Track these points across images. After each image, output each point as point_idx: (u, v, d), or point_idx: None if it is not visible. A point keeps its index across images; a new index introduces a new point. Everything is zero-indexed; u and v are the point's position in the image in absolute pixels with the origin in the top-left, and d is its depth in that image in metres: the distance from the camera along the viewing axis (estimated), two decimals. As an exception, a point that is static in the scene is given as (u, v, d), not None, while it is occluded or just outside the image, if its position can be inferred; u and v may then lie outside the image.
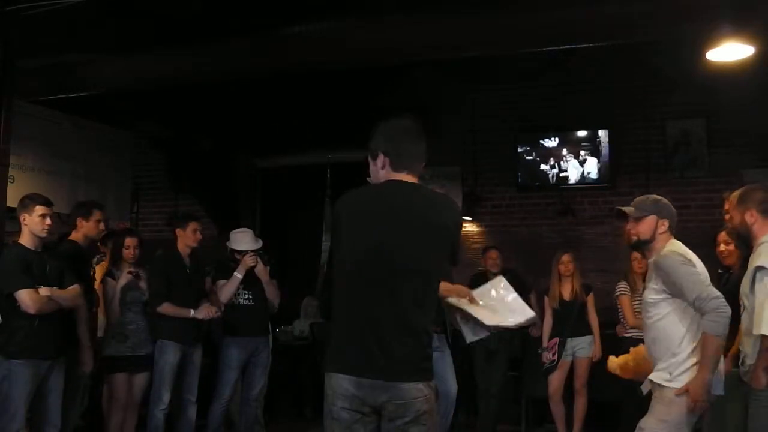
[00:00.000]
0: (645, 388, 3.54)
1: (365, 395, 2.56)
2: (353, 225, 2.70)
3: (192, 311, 5.50)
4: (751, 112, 7.41)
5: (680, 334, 3.30)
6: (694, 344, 3.28)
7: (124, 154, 8.45)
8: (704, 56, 5.53)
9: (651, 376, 3.43)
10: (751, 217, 3.43)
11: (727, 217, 4.24)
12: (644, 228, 3.55)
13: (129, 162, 8.52)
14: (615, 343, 6.39)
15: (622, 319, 6.39)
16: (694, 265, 3.34)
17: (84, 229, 5.22)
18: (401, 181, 2.75)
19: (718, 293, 3.19)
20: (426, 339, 2.64)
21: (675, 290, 3.31)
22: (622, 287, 6.41)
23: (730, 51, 5.40)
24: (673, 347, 3.32)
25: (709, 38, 5.25)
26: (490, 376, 6.75)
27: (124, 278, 5.37)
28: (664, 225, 3.54)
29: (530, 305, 6.84)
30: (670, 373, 3.31)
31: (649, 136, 8.16)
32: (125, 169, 8.46)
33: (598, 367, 6.43)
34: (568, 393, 6.50)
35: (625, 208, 3.64)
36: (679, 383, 3.28)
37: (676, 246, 3.46)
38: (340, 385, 2.58)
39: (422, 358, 2.62)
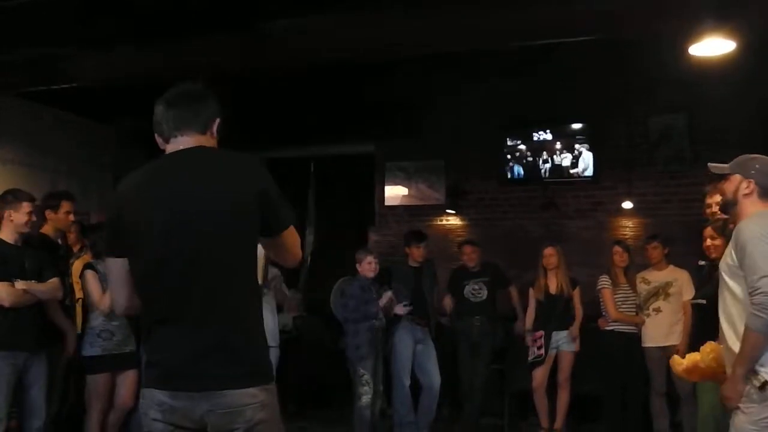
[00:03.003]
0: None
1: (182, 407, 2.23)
2: (134, 220, 2.29)
3: None
4: (733, 107, 7.47)
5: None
6: None
7: (105, 148, 8.40)
8: (686, 51, 5.56)
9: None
10: (747, 188, 3.06)
11: (708, 211, 4.27)
12: (727, 187, 3.13)
13: (111, 156, 8.47)
14: (598, 337, 6.45)
15: (604, 313, 6.44)
16: None
17: (53, 222, 5.16)
18: (187, 149, 2.35)
19: None
20: (252, 337, 2.28)
21: (744, 266, 2.88)
22: (604, 281, 6.45)
23: (711, 46, 5.44)
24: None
25: (691, 33, 5.28)
26: (475, 369, 6.79)
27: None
28: (749, 186, 3.04)
29: (511, 298, 6.90)
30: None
31: (632, 130, 8.21)
32: (107, 164, 8.42)
33: (580, 360, 6.49)
34: (551, 386, 6.54)
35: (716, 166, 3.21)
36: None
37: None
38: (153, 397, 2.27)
39: (256, 358, 2.28)
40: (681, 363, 3.51)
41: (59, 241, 5.43)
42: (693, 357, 3.44)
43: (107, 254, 2.42)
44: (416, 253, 6.65)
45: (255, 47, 5.61)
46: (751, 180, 3.05)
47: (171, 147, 2.39)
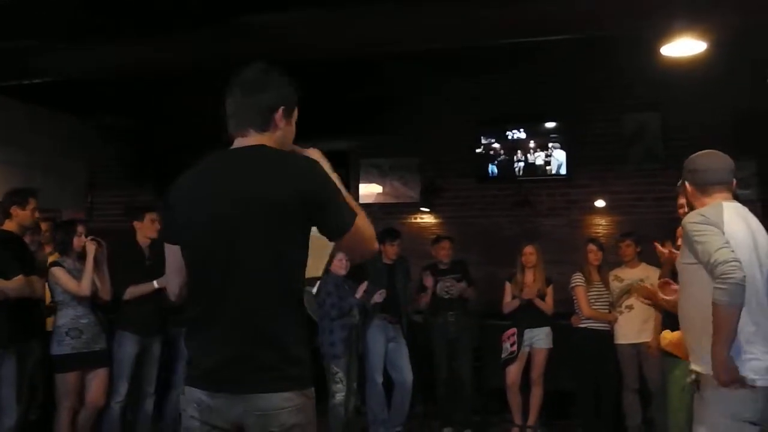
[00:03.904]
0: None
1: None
2: (182, 217, 2.33)
3: (155, 282, 5.41)
4: (705, 106, 7.56)
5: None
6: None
7: (81, 143, 8.31)
8: (659, 51, 5.63)
9: (692, 366, 3.07)
10: (687, 191, 3.25)
11: (681, 211, 4.31)
12: (686, 194, 3.31)
13: (88, 152, 8.38)
14: (571, 334, 6.50)
15: (577, 310, 6.48)
16: (715, 225, 2.94)
17: (19, 218, 5.09)
18: (240, 147, 2.34)
19: (730, 257, 2.82)
20: (291, 342, 2.24)
21: (699, 255, 2.95)
22: (578, 278, 6.50)
23: (683, 47, 5.51)
24: (706, 324, 2.93)
25: (664, 34, 5.34)
26: (459, 365, 6.79)
27: (91, 250, 5.21)
28: (690, 188, 3.23)
29: (465, 297, 6.88)
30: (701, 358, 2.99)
31: (606, 129, 8.27)
32: (81, 159, 8.33)
33: (554, 357, 6.53)
34: (524, 383, 6.57)
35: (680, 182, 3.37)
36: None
37: (711, 208, 3.07)
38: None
39: (294, 362, 2.23)
40: (666, 338, 3.64)
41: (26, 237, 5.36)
42: (680, 333, 3.47)
43: (164, 240, 2.44)
44: (390, 251, 6.66)
45: (232, 43, 5.58)
46: (686, 181, 3.24)
47: (235, 143, 2.37)
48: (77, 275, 5.15)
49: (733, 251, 2.86)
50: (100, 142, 8.83)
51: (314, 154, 2.41)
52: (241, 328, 2.21)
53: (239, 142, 2.36)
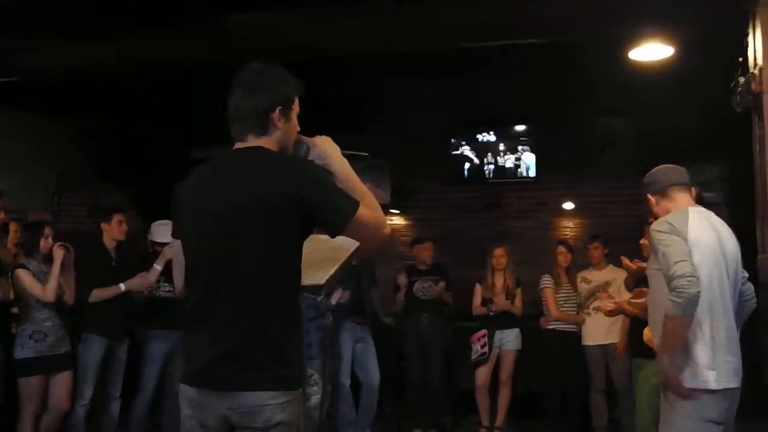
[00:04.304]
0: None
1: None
2: (185, 216, 2.38)
3: (122, 285, 5.37)
4: (674, 111, 7.64)
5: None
6: (695, 332, 3.01)
7: (47, 144, 8.19)
8: (627, 56, 5.68)
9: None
10: (653, 201, 3.36)
11: (650, 219, 4.36)
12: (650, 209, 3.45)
13: (56, 153, 8.26)
14: (539, 335, 6.54)
15: (545, 312, 6.52)
16: (679, 236, 3.02)
17: None
18: (237, 149, 2.38)
19: (688, 272, 2.90)
20: (280, 342, 2.26)
21: (661, 264, 3.06)
22: (546, 280, 6.54)
23: (650, 51, 5.58)
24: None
25: (631, 38, 5.40)
26: (430, 368, 6.79)
27: (59, 256, 5.16)
28: (652, 199, 3.36)
29: (443, 300, 6.89)
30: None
31: (575, 132, 8.33)
32: (48, 160, 8.21)
33: (522, 358, 6.56)
34: (493, 384, 6.60)
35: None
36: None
37: (678, 214, 3.17)
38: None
39: (282, 363, 2.25)
40: (647, 334, 3.67)
41: None
42: None
43: (173, 236, 2.48)
44: None
45: (206, 42, 5.55)
46: (648, 195, 3.37)
47: (235, 145, 2.39)
48: (42, 278, 5.08)
49: (692, 265, 2.93)
50: (67, 144, 8.71)
51: (322, 141, 2.45)
52: (233, 327, 2.24)
53: (238, 145, 2.39)
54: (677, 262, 2.93)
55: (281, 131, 2.38)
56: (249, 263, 2.23)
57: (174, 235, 2.48)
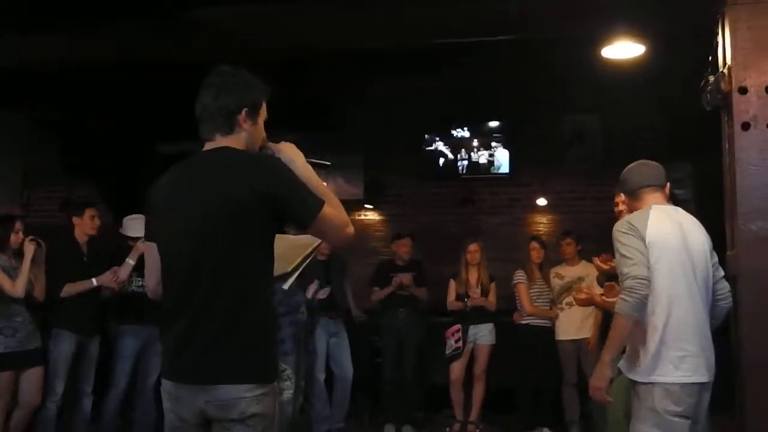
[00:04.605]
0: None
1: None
2: (159, 218, 2.47)
3: (94, 280, 5.34)
4: (644, 109, 7.73)
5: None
6: (655, 326, 3.08)
7: (14, 137, 8.07)
8: (599, 53, 5.73)
9: (621, 366, 3.23)
10: (623, 201, 3.45)
11: (616, 209, 4.41)
12: (621, 203, 3.54)
13: (20, 145, 8.15)
14: (513, 330, 6.58)
15: (519, 307, 6.57)
16: (638, 237, 3.10)
17: None
18: (205, 150, 2.46)
19: (640, 274, 3.00)
20: (252, 335, 2.33)
21: (617, 261, 3.18)
22: (520, 276, 6.58)
23: (622, 49, 5.63)
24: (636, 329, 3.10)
25: (603, 36, 5.44)
26: (405, 363, 6.81)
27: (29, 251, 5.09)
28: (622, 198, 3.46)
29: (418, 297, 6.90)
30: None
31: (547, 129, 8.39)
32: (16, 153, 8.10)
33: (496, 353, 6.61)
34: (467, 379, 6.63)
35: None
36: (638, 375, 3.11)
37: (639, 214, 3.24)
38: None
39: (253, 357, 2.33)
40: None
41: None
42: None
43: (145, 239, 2.55)
44: (322, 246, 6.60)
45: (168, 36, 5.50)
46: (618, 193, 3.45)
47: (205, 146, 2.48)
48: (12, 273, 5.02)
49: (646, 268, 3.03)
50: (36, 136, 8.60)
51: (286, 147, 2.54)
52: (207, 322, 2.31)
53: (207, 146, 2.47)
54: (633, 264, 3.03)
55: (247, 133, 2.45)
56: (221, 260, 2.31)
57: (147, 237, 2.54)
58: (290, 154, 2.52)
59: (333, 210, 2.40)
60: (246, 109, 2.43)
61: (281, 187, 2.33)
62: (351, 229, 2.47)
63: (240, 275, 2.32)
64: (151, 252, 2.51)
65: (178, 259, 2.37)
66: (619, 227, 3.17)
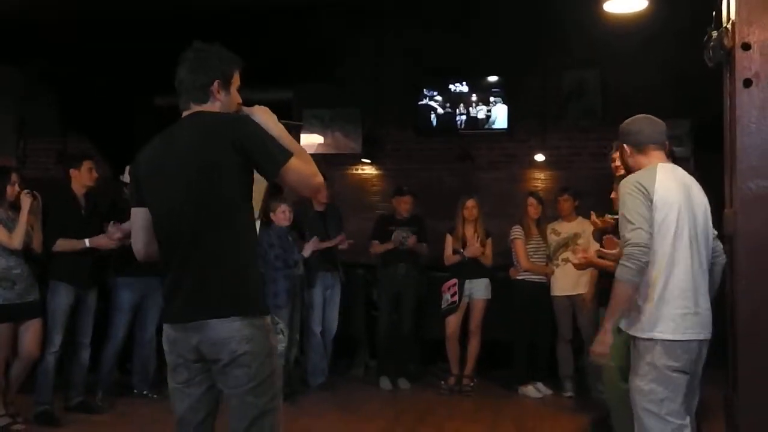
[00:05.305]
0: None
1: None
2: (145, 183, 2.67)
3: (87, 241, 5.34)
4: (644, 64, 7.66)
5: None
6: (657, 284, 3.08)
7: (10, 89, 7.99)
8: (601, 7, 5.66)
9: (622, 325, 3.22)
10: (627, 152, 3.33)
11: (613, 165, 4.39)
12: (620, 157, 3.44)
13: (15, 99, 8.08)
14: (509, 286, 6.62)
15: (515, 262, 6.59)
16: (645, 198, 3.06)
17: None
18: (182, 118, 2.68)
19: (643, 241, 3.00)
20: (236, 275, 2.54)
21: (621, 219, 3.13)
22: (517, 231, 6.59)
23: (624, 3, 5.56)
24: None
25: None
26: (401, 317, 6.86)
27: (26, 204, 5.07)
28: (626, 150, 3.32)
29: (418, 252, 6.92)
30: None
31: (546, 84, 8.33)
32: (11, 105, 8.03)
33: (491, 308, 6.65)
34: (462, 334, 6.69)
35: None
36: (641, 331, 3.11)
37: (646, 172, 3.18)
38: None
39: (235, 293, 2.53)
40: None
41: None
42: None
43: (132, 204, 2.75)
44: (320, 196, 6.61)
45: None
46: (624, 144, 3.33)
47: (183, 115, 2.68)
48: (10, 225, 5.02)
49: (648, 234, 3.02)
50: (31, 89, 8.52)
51: (259, 110, 2.70)
52: (193, 268, 2.54)
53: (184, 114, 2.68)
54: (634, 229, 3.02)
55: (221, 102, 2.66)
56: (204, 213, 2.53)
57: (133, 203, 2.73)
58: (262, 116, 2.68)
59: (300, 162, 2.56)
60: (218, 80, 2.64)
61: (249, 140, 2.53)
62: (319, 179, 2.61)
63: (221, 223, 2.53)
64: (138, 216, 2.71)
65: (167, 217, 2.59)
66: (626, 188, 3.14)
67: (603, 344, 3.14)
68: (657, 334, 3.06)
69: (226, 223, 2.54)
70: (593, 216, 4.72)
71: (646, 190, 3.08)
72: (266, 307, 2.66)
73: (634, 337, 3.14)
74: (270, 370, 2.54)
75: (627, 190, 3.13)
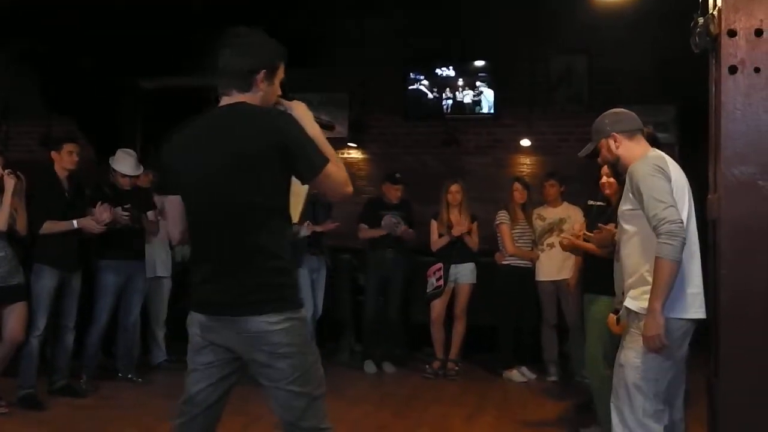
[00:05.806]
0: (622, 317, 3.29)
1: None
2: (177, 171, 2.62)
3: (75, 222, 5.33)
4: (631, 51, 7.67)
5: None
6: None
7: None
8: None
9: (626, 303, 3.20)
10: (616, 143, 3.30)
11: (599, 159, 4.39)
12: (602, 154, 3.41)
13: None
14: (494, 271, 6.64)
15: (501, 247, 6.61)
16: (667, 179, 3.08)
17: None
18: (222, 106, 2.61)
19: (678, 218, 2.97)
20: (273, 271, 2.53)
21: (644, 205, 3.07)
22: (502, 216, 6.60)
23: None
24: (643, 270, 3.12)
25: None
26: (388, 302, 6.88)
27: (10, 185, 5.03)
28: (617, 140, 3.29)
29: (405, 238, 6.93)
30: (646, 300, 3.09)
31: (534, 70, 8.34)
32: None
33: (476, 293, 6.68)
34: (447, 318, 6.71)
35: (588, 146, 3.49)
36: None
37: (654, 157, 3.19)
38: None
39: (273, 289, 2.52)
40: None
41: None
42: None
43: (163, 192, 2.76)
44: None
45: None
46: (613, 134, 3.30)
47: (221, 101, 2.61)
48: None
49: (678, 211, 3.00)
50: (15, 71, 8.43)
51: (298, 107, 2.66)
52: (227, 264, 2.53)
53: (224, 101, 2.60)
54: (666, 207, 2.98)
55: (263, 92, 2.60)
56: (241, 207, 2.49)
57: (166, 191, 2.72)
58: (301, 112, 2.64)
59: (336, 169, 2.57)
60: (264, 70, 2.57)
61: (291, 140, 2.49)
62: (350, 188, 2.65)
63: (257, 220, 2.50)
64: (173, 204, 2.69)
65: (202, 207, 2.56)
66: (645, 170, 3.10)
67: (656, 327, 3.00)
68: (671, 314, 3.04)
69: (263, 222, 2.51)
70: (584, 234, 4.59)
71: (665, 171, 3.10)
72: (301, 299, 2.66)
73: (637, 314, 3.13)
74: (314, 358, 2.58)
75: (648, 171, 3.09)
